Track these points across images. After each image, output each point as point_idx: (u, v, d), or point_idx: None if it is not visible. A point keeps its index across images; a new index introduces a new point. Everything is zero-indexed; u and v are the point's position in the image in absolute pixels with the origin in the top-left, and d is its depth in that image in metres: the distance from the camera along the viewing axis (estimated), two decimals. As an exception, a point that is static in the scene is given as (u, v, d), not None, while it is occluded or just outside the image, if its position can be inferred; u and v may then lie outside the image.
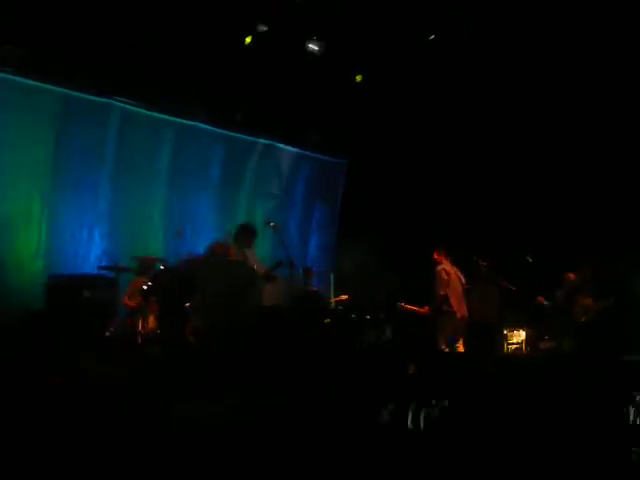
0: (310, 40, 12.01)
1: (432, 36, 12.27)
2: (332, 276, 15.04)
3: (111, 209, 11.90)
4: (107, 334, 9.84)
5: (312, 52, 12.12)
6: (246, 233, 9.82)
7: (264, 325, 9.01)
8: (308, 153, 15.03)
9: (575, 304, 11.85)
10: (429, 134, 13.66)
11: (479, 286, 11.94)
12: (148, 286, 9.98)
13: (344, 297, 12.78)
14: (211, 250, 9.39)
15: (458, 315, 11.07)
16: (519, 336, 12.74)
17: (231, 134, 13.57)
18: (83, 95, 11.50)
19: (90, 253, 11.59)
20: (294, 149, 14.76)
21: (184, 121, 12.82)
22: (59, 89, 11.20)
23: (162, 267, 10.66)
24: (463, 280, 11.43)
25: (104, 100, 11.74)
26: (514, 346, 12.69)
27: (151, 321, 10.39)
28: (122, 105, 11.96)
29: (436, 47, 12.38)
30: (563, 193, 12.97)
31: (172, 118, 12.66)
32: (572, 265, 12.07)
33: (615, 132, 12.40)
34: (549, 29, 11.48)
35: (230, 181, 13.48)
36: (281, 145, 14.46)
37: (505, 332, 12.70)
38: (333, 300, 13.13)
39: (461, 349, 10.58)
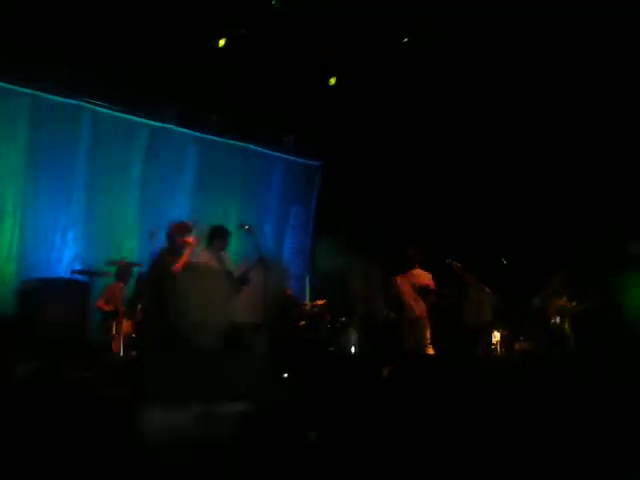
0: None
1: (405, 39, 12.31)
2: (307, 278, 15.04)
3: (84, 212, 11.81)
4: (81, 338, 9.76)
5: None
6: (220, 236, 9.61)
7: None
8: (283, 155, 15.00)
9: (551, 306, 11.89)
10: (404, 136, 13.67)
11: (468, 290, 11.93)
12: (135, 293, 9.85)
13: (320, 302, 12.75)
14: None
15: (416, 315, 10.97)
16: (494, 337, 12.78)
17: (205, 136, 13.52)
18: (53, 97, 11.43)
19: (63, 257, 11.50)
20: (268, 151, 14.73)
21: (157, 123, 12.76)
22: (29, 91, 11.12)
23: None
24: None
25: (75, 102, 11.67)
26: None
27: (125, 325, 10.32)
28: (93, 107, 11.89)
29: (410, 49, 12.42)
30: (541, 193, 13.00)
31: (145, 120, 12.60)
32: (549, 266, 12.12)
33: (593, 133, 12.45)
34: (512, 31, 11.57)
35: (204, 184, 13.41)
36: (255, 147, 14.42)
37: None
38: (309, 304, 13.11)
39: (430, 351, 10.51)
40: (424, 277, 11.05)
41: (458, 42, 11.91)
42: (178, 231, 8.82)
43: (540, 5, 10.77)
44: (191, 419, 3.66)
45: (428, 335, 10.72)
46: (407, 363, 7.59)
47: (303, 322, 11.64)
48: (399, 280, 11.03)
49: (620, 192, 12.09)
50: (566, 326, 11.81)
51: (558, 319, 11.82)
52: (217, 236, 9.43)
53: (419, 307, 10.92)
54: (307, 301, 13.63)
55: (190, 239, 8.81)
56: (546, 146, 12.81)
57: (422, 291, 10.87)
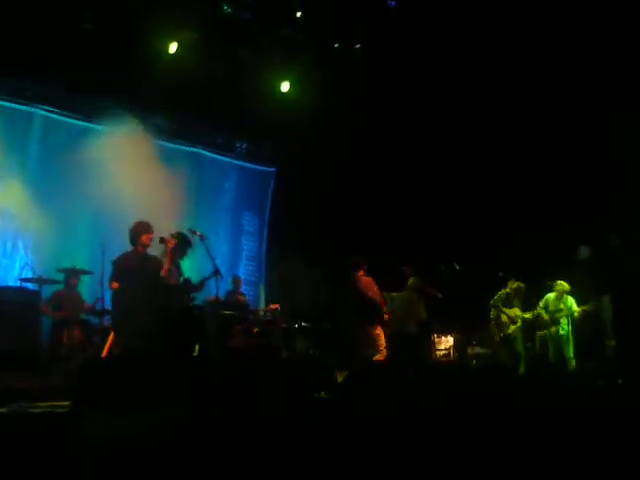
0: None
1: (358, 45, 12.41)
2: (262, 285, 14.99)
3: (36, 220, 11.65)
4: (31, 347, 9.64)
5: None
6: (184, 245, 9.60)
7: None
8: (236, 161, 14.98)
9: (501, 315, 11.99)
10: (356, 142, 13.69)
11: (400, 293, 11.99)
12: None
13: (274, 306, 12.72)
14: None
15: None
16: (447, 342, 12.85)
17: (158, 142, 13.40)
18: (4, 102, 11.30)
19: (14, 265, 11.36)
20: (222, 157, 14.69)
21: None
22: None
23: None
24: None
25: (25, 108, 11.55)
26: (442, 352, 12.79)
27: (76, 333, 10.21)
28: (44, 113, 11.76)
29: (362, 55, 12.51)
30: (495, 202, 13.10)
31: (96, 126, 12.46)
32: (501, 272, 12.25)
33: (540, 143, 12.62)
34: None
35: (157, 189, 13.30)
36: (209, 153, 14.37)
37: (433, 338, 12.76)
38: (262, 310, 13.09)
39: (380, 358, 10.47)
40: (366, 284, 10.93)
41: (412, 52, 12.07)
42: (142, 229, 8.83)
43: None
44: (134, 428, 3.62)
45: (382, 340, 10.69)
46: (361, 369, 7.58)
47: (256, 329, 11.60)
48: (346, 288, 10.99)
49: (568, 200, 12.25)
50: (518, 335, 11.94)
51: (511, 327, 11.93)
52: (181, 244, 9.41)
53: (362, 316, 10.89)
54: (261, 307, 13.61)
55: (151, 236, 8.83)
56: (495, 153, 12.94)
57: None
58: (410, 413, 4.53)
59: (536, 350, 12.04)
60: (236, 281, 13.11)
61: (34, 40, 10.40)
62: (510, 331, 11.91)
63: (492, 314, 12.14)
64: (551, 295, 11.94)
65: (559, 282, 11.87)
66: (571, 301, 11.81)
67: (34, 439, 3.75)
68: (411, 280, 11.80)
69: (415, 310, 11.70)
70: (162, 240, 9.06)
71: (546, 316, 11.77)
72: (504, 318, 11.97)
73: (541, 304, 11.92)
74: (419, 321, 11.69)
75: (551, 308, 11.82)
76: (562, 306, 11.81)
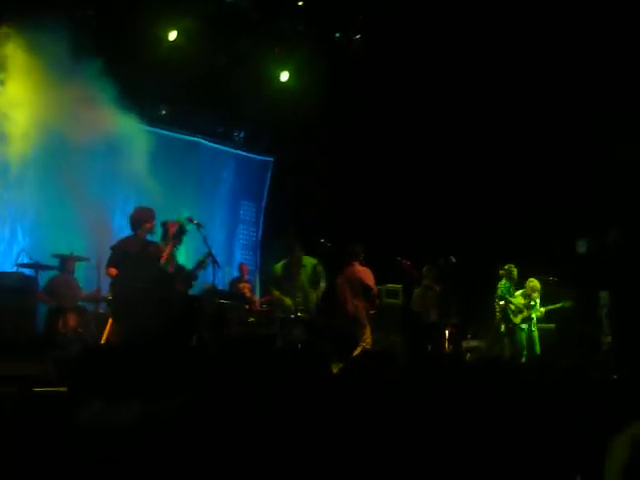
0: None
1: (357, 36, 12.40)
2: (257, 274, 14.98)
3: (34, 205, 11.62)
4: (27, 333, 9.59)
5: None
6: (180, 233, 9.62)
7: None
8: (234, 150, 14.98)
9: (510, 305, 12.06)
10: (354, 133, 13.68)
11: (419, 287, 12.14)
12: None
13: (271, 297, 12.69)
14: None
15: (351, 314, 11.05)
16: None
17: (155, 130, 13.36)
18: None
19: (12, 250, 11.32)
20: (220, 146, 14.68)
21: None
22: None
23: None
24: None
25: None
26: (438, 345, 12.80)
27: (72, 320, 10.17)
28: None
29: (362, 45, 12.50)
30: (493, 195, 13.10)
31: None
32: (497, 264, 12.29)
33: (537, 135, 12.61)
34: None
35: (155, 177, 13.25)
36: (206, 142, 14.35)
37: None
38: (258, 300, 13.06)
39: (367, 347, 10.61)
40: (364, 273, 11.03)
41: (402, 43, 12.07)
42: (145, 216, 8.82)
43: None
44: (131, 417, 3.61)
45: (367, 334, 10.81)
46: (358, 359, 7.57)
47: (252, 318, 11.60)
48: (338, 280, 11.11)
49: (566, 192, 12.24)
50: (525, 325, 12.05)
51: (518, 317, 12.04)
52: (178, 232, 9.43)
53: (355, 306, 10.94)
54: (257, 297, 13.58)
55: (154, 223, 8.86)
56: (494, 146, 12.93)
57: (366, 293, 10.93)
58: (405, 404, 4.51)
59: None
60: (242, 269, 13.20)
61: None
62: (518, 321, 12.02)
63: (499, 306, 12.22)
64: (518, 292, 12.15)
65: (531, 280, 12.02)
66: (537, 300, 12.13)
67: (30, 423, 3.73)
68: (425, 269, 11.96)
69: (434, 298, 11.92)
70: (164, 225, 9.05)
71: (528, 312, 11.95)
72: (512, 307, 12.07)
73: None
74: (438, 310, 11.88)
75: (519, 304, 12.00)
76: (532, 303, 12.02)
